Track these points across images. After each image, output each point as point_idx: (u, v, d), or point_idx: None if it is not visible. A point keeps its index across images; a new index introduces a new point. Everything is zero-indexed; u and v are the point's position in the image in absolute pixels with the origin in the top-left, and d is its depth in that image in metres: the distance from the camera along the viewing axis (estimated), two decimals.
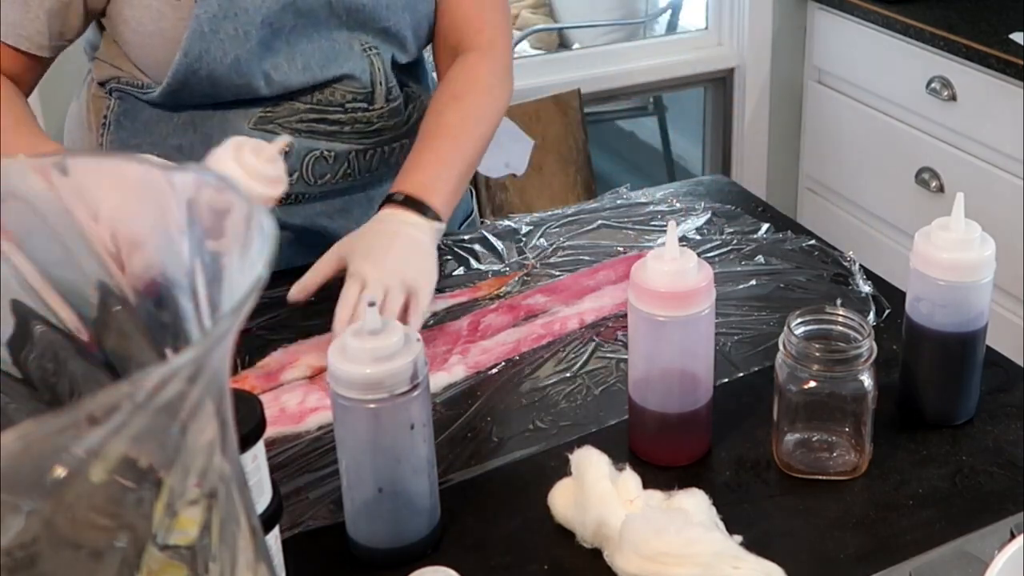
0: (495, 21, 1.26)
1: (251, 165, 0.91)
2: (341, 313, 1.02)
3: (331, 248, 1.09)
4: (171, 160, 1.20)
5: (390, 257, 1.05)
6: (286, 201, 1.21)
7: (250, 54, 1.13)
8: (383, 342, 0.76)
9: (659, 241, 1.26)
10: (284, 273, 1.20)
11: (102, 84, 1.24)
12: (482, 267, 1.23)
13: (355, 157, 1.23)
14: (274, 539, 0.74)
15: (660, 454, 0.92)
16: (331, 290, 1.18)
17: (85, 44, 1.25)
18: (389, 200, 1.11)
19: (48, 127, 2.05)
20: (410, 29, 1.23)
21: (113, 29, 1.16)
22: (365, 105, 1.21)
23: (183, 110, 1.19)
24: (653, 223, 1.31)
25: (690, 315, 0.86)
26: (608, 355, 1.06)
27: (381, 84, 1.21)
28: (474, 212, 1.45)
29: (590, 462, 0.83)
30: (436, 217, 1.10)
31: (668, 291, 0.85)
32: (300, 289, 1.08)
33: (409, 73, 1.28)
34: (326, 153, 1.21)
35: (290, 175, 1.15)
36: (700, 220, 1.31)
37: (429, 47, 1.30)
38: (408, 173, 1.13)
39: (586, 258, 1.24)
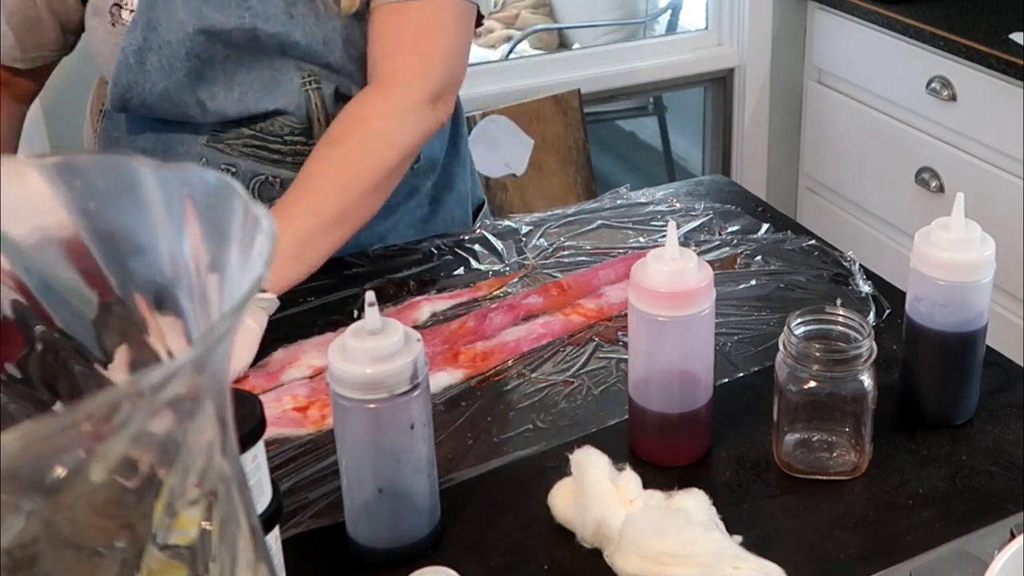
0: (413, 48, 1.13)
1: None
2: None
3: None
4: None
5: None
6: None
7: (179, 84, 1.12)
8: (383, 342, 0.76)
9: (659, 239, 1.27)
10: None
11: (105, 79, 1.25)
12: (482, 267, 1.23)
13: None
14: (274, 539, 0.74)
15: (660, 454, 0.92)
16: (329, 291, 1.18)
17: None
18: None
19: (52, 130, 2.05)
20: (355, 63, 1.17)
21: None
22: (304, 139, 1.19)
23: (147, 118, 1.19)
24: (653, 223, 1.31)
25: (690, 315, 0.86)
26: (608, 355, 1.06)
27: (319, 119, 1.18)
28: (485, 204, 1.46)
29: (590, 462, 0.83)
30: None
31: (668, 291, 0.85)
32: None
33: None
34: (271, 178, 1.21)
35: None
36: (700, 220, 1.31)
37: None
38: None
39: (586, 258, 1.24)
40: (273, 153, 1.19)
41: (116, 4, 1.10)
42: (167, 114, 1.15)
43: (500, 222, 1.32)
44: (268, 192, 1.21)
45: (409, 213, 1.31)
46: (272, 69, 1.15)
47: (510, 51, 3.21)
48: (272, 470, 0.75)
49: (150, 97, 1.12)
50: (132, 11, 1.10)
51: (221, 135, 1.18)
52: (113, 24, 1.10)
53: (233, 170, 1.19)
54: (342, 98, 1.18)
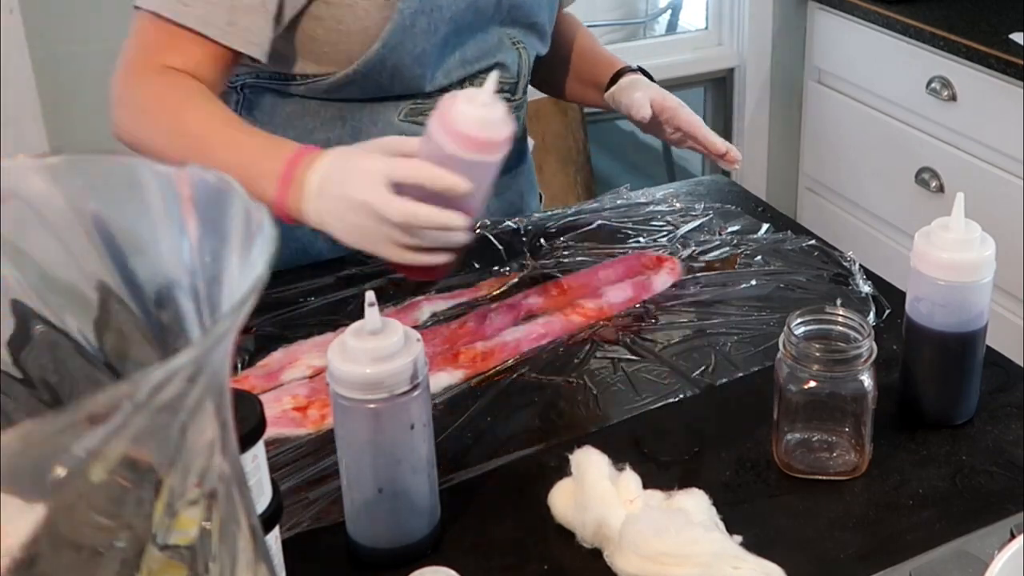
0: None
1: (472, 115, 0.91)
2: (710, 135, 1.26)
3: (636, 95, 1.29)
4: None
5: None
6: None
7: (432, 48, 1.18)
8: (383, 342, 0.76)
9: (661, 240, 1.27)
10: (284, 272, 1.21)
11: None
12: (482, 267, 1.23)
13: None
14: (274, 539, 0.74)
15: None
16: (329, 291, 1.18)
17: None
18: (627, 71, 1.36)
19: (52, 130, 2.05)
20: (549, 23, 1.32)
21: (294, 26, 1.16)
22: (509, 95, 1.28)
23: (332, 103, 1.21)
24: (653, 223, 1.31)
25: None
26: (608, 355, 1.06)
27: (524, 76, 1.30)
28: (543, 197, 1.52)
29: (590, 462, 0.83)
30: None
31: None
32: (648, 113, 1.27)
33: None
34: None
35: None
36: (700, 220, 1.31)
37: None
38: (616, 62, 1.39)
39: (586, 258, 1.24)
40: None
41: None
42: (401, 82, 1.19)
43: (500, 222, 1.32)
44: None
45: (519, 177, 1.40)
46: (486, 34, 1.24)
47: None
48: (272, 470, 0.75)
49: (406, 58, 1.16)
50: None
51: (423, 106, 1.22)
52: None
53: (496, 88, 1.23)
54: (537, 59, 1.34)
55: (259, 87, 1.23)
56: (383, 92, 1.20)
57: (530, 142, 2.19)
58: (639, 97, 1.28)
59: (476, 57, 1.24)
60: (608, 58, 1.42)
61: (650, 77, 1.36)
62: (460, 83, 1.24)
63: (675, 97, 1.30)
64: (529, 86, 1.47)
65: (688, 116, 1.27)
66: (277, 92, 1.22)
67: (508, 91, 1.28)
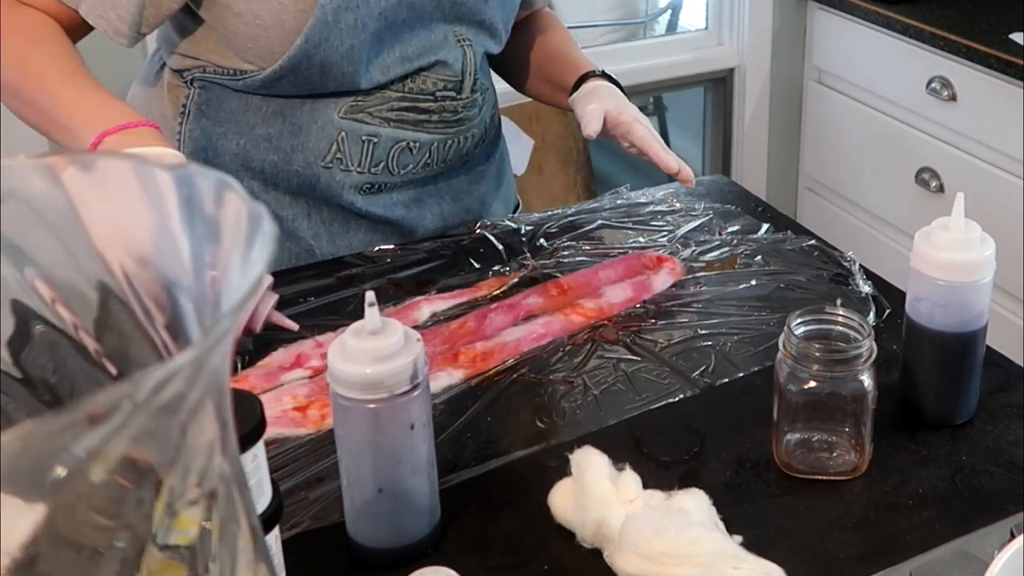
0: None
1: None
2: (663, 152, 1.23)
3: (590, 107, 1.26)
4: (258, 150, 1.22)
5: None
6: (370, 191, 1.26)
7: (363, 44, 1.17)
8: (383, 342, 0.76)
9: (660, 240, 1.27)
10: (284, 272, 1.21)
11: (177, 72, 1.25)
12: (482, 267, 1.23)
13: (436, 148, 1.27)
14: (274, 539, 0.74)
15: None
16: (329, 291, 1.18)
17: (155, 35, 1.27)
18: (591, 76, 1.32)
19: None
20: (502, 22, 1.30)
21: (217, 21, 1.17)
22: (454, 94, 1.26)
23: (273, 99, 1.21)
24: (653, 223, 1.31)
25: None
26: (608, 355, 1.06)
27: (470, 74, 1.27)
28: (520, 204, 1.50)
29: (590, 462, 0.83)
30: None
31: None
32: (595, 130, 1.24)
33: (483, 69, 1.33)
34: (411, 144, 1.25)
35: (376, 165, 1.24)
36: (700, 220, 1.31)
37: None
38: (583, 65, 1.35)
39: (586, 258, 1.24)
40: (420, 114, 1.25)
41: None
42: (332, 79, 1.18)
43: (500, 222, 1.32)
44: (405, 158, 1.26)
45: (488, 182, 1.38)
46: (429, 30, 1.23)
47: None
48: (272, 470, 0.75)
49: (333, 55, 1.15)
50: None
51: (362, 104, 1.22)
52: None
53: (375, 139, 1.23)
54: (486, 58, 1.32)
55: (206, 81, 1.23)
56: (318, 88, 1.20)
57: (530, 142, 2.20)
58: (591, 111, 1.25)
59: (417, 54, 1.22)
60: (577, 61, 1.38)
61: (617, 84, 1.32)
62: (401, 79, 1.23)
63: (633, 110, 1.27)
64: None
65: (641, 132, 1.24)
66: (222, 87, 1.23)
67: (452, 90, 1.26)
